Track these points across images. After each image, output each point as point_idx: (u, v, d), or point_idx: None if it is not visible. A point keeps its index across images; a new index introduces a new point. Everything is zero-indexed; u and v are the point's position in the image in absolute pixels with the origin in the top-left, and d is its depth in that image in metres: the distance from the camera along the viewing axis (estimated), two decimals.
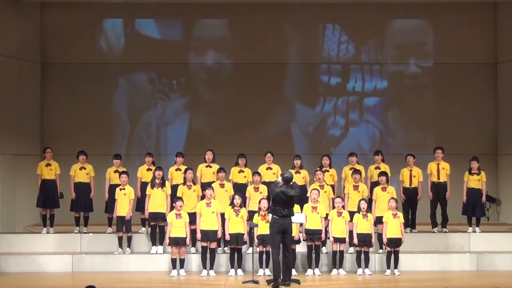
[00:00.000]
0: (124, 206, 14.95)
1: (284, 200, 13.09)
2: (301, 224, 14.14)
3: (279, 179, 13.46)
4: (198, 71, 19.02)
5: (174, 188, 15.10)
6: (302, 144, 18.88)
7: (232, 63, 19.00)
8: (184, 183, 14.96)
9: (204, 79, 19.00)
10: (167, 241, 14.15)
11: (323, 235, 14.34)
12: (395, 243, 14.23)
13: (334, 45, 19.04)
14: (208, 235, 14.10)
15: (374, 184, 15.40)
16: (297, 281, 13.23)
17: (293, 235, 13.61)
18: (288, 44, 19.00)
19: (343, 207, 14.64)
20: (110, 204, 15.43)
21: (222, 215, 14.31)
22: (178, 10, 18.74)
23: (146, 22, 19.04)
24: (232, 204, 14.35)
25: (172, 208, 14.43)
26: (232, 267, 14.23)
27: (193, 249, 14.92)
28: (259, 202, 14.10)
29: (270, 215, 13.39)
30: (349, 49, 19.04)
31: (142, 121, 18.93)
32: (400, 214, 14.45)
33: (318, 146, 18.67)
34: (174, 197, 14.69)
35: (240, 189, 15.03)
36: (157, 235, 14.99)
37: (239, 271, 14.20)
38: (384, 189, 14.99)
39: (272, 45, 18.75)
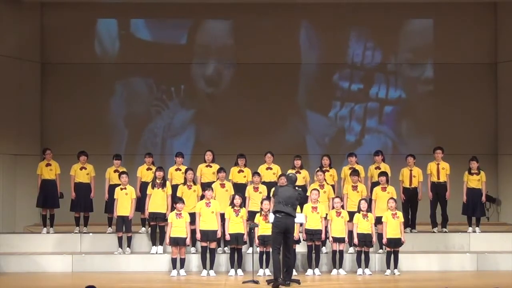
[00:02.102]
0: (125, 206, 14.94)
1: (288, 196, 13.14)
2: (301, 224, 14.14)
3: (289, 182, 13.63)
4: (203, 73, 18.97)
5: (174, 188, 15.10)
6: (313, 146, 18.86)
7: (237, 63, 18.95)
8: (184, 183, 14.97)
9: (210, 80, 18.98)
10: (167, 241, 14.15)
11: (323, 235, 14.35)
12: (394, 243, 14.22)
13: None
14: (208, 235, 14.10)
15: (375, 184, 15.40)
16: (297, 281, 13.23)
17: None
18: (301, 45, 18.98)
19: (342, 207, 14.64)
20: (110, 204, 15.43)
21: (222, 215, 14.31)
22: (183, 10, 18.66)
23: (148, 22, 19.02)
24: (232, 204, 14.36)
25: (173, 208, 14.44)
26: (232, 267, 14.23)
27: (193, 249, 14.92)
28: (261, 202, 14.11)
29: (271, 215, 13.40)
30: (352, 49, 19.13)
31: (144, 122, 18.91)
32: (400, 214, 14.44)
33: (330, 146, 18.69)
34: (174, 197, 14.70)
35: (239, 189, 15.03)
36: (157, 235, 14.99)
37: (239, 271, 14.20)
38: (384, 189, 14.99)
39: (281, 46, 18.71)
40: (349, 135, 19.03)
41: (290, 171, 15.05)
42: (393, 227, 14.22)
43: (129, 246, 15.10)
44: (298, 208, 13.86)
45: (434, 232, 15.91)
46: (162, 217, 14.81)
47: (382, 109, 19.05)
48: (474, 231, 15.81)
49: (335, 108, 19.05)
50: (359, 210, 14.37)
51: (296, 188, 13.55)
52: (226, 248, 14.80)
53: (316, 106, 19.02)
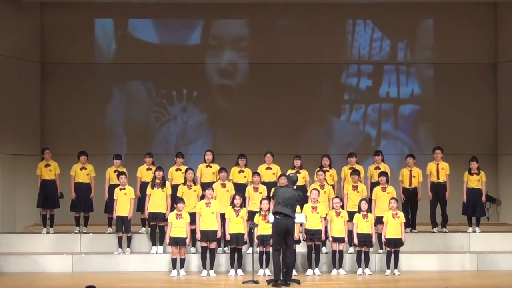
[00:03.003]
0: (124, 206, 14.94)
1: (287, 197, 13.12)
2: (301, 224, 14.14)
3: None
4: (215, 73, 18.94)
5: (174, 188, 15.10)
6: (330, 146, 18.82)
7: (249, 63, 18.95)
8: (184, 183, 14.97)
9: (222, 81, 18.96)
10: (167, 241, 14.16)
11: (323, 235, 14.34)
12: (394, 243, 14.22)
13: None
14: (208, 235, 14.10)
15: (374, 184, 15.39)
16: (297, 281, 13.23)
17: None
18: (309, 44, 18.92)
19: (342, 207, 14.64)
20: (110, 204, 15.42)
21: (222, 215, 14.31)
22: (192, 10, 18.62)
23: (149, 22, 18.99)
24: (232, 204, 14.35)
25: (173, 208, 14.44)
26: (232, 267, 14.23)
27: (193, 249, 14.93)
28: (260, 202, 14.10)
29: (271, 215, 13.39)
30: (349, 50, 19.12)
31: (144, 122, 18.89)
32: (401, 214, 14.44)
33: (341, 147, 18.68)
34: (174, 197, 14.70)
35: (240, 189, 15.03)
36: (157, 235, 14.99)
37: (239, 271, 14.20)
38: (384, 189, 14.98)
39: (291, 46, 18.70)
40: (361, 135, 19.05)
41: (290, 171, 15.07)
42: (393, 227, 14.22)
43: (129, 246, 15.11)
44: (298, 208, 13.86)
45: (434, 232, 15.91)
46: (162, 217, 14.81)
47: (387, 109, 19.05)
48: (474, 231, 15.80)
49: (347, 110, 18.98)
50: (359, 210, 14.37)
51: (295, 188, 13.54)
52: (226, 248, 14.80)
53: (329, 106, 19.00)
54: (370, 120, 19.00)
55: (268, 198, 14.24)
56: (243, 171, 15.50)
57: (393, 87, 19.03)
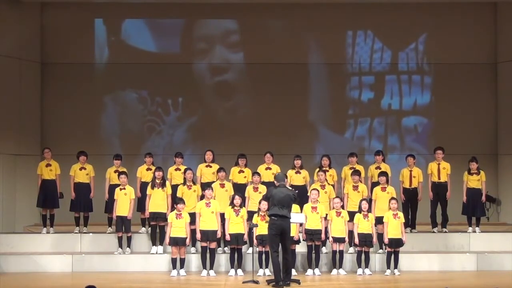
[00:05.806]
0: (124, 206, 14.94)
1: (282, 197, 13.08)
2: (300, 224, 14.14)
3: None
4: (215, 74, 18.93)
5: (174, 188, 15.10)
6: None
7: (249, 63, 18.93)
8: (184, 183, 14.96)
9: (223, 81, 18.96)
10: (167, 241, 14.16)
11: (323, 235, 14.34)
12: (395, 243, 14.22)
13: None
14: (208, 235, 14.10)
15: (375, 184, 15.39)
16: (297, 281, 13.23)
17: (292, 235, 13.62)
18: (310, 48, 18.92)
19: (342, 207, 14.63)
20: (110, 204, 15.43)
21: (222, 215, 14.31)
22: (187, 9, 18.64)
23: (149, 22, 18.99)
24: (232, 204, 14.35)
25: (173, 208, 14.44)
26: (232, 267, 14.23)
27: (193, 249, 14.93)
28: (259, 202, 14.10)
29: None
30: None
31: (145, 121, 18.90)
32: (401, 214, 14.45)
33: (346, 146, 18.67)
34: (174, 197, 14.70)
35: (240, 189, 15.03)
36: (157, 235, 14.99)
37: (239, 271, 14.20)
38: (383, 189, 14.98)
39: (290, 46, 18.71)
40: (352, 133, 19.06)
41: (290, 171, 15.09)
42: (394, 227, 14.23)
43: (129, 246, 15.11)
44: (298, 208, 13.86)
45: (434, 232, 15.91)
46: (163, 217, 14.80)
47: (386, 108, 19.06)
48: (474, 231, 15.80)
49: (343, 106, 19.06)
50: (360, 210, 14.37)
51: (288, 186, 13.52)
52: (226, 248, 14.80)
53: (325, 105, 19.01)
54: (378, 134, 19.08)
55: (267, 198, 14.20)
56: (243, 171, 15.50)
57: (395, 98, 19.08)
